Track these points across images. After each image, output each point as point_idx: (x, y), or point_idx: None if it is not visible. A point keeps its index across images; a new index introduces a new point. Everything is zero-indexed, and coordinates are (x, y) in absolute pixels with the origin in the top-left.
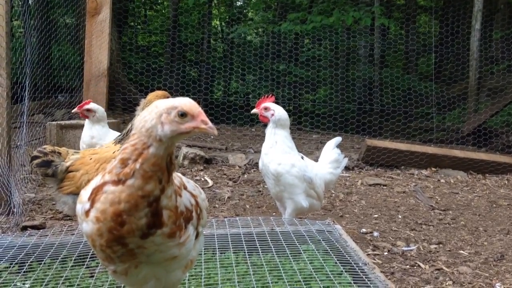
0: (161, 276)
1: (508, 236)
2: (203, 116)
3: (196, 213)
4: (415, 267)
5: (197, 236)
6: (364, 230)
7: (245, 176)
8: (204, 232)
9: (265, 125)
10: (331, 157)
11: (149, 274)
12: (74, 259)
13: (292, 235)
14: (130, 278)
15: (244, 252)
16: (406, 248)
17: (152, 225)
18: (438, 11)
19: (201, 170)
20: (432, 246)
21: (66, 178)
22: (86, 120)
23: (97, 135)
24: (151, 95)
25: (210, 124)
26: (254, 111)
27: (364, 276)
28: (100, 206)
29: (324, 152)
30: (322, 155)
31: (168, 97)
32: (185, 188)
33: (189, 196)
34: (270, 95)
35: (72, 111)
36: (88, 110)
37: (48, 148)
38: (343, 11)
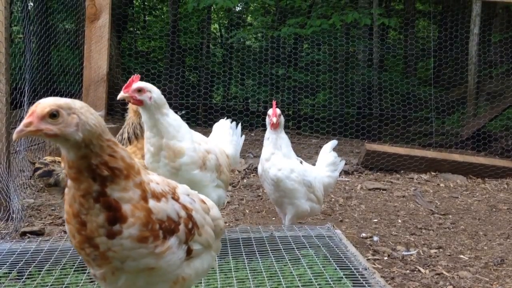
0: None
1: (508, 240)
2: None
3: (187, 228)
4: (415, 272)
5: (190, 253)
6: (364, 234)
7: (245, 180)
8: None
9: (265, 130)
10: (328, 160)
11: (128, 284)
12: (75, 266)
13: (292, 240)
14: (108, 285)
15: (243, 258)
16: (406, 253)
17: (113, 220)
18: (436, 15)
19: None
20: (432, 251)
21: None
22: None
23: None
24: None
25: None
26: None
27: (364, 281)
28: (65, 207)
29: (321, 155)
30: (319, 159)
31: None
32: (176, 199)
33: (178, 207)
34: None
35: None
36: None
37: (48, 158)
38: (342, 15)
